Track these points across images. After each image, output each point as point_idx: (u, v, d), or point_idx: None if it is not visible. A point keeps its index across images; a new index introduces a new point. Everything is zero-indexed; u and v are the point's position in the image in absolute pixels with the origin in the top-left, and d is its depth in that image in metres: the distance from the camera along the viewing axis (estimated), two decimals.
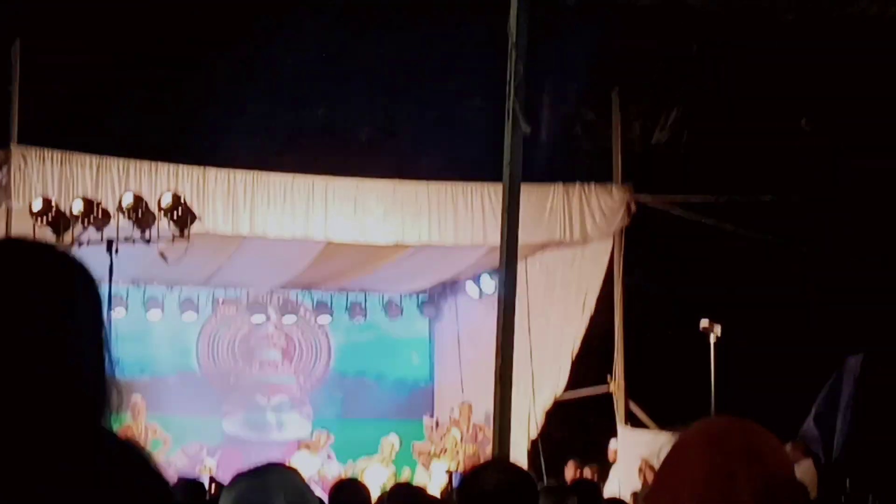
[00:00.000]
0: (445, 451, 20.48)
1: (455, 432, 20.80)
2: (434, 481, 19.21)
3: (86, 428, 2.17)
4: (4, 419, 2.10)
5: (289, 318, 22.95)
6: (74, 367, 2.18)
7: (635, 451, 18.23)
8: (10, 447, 2.09)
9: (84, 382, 2.19)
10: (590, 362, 20.57)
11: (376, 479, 18.59)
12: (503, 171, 11.39)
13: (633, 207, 20.00)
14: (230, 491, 3.87)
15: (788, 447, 16.67)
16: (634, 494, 14.93)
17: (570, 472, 18.67)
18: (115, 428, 2.27)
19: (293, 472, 4.12)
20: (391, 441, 20.68)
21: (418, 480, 18.81)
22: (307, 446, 20.63)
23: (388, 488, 18.28)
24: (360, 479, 16.51)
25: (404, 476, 20.00)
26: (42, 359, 2.14)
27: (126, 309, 20.98)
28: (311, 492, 3.96)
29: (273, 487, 3.81)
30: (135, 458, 2.24)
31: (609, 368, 20.22)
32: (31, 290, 2.19)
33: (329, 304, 22.91)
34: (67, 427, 2.14)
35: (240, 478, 3.93)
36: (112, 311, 16.76)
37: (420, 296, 23.53)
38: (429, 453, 20.60)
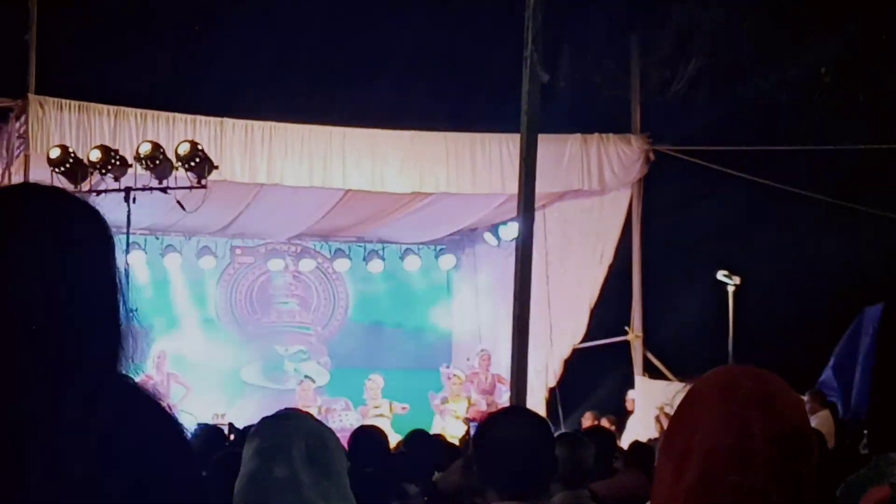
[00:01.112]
0: (456, 396, 20.42)
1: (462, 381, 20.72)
2: (450, 428, 19.24)
3: (100, 374, 2.17)
4: (16, 365, 2.10)
5: (306, 267, 22.98)
6: (86, 312, 2.17)
7: (653, 401, 18.26)
8: (23, 393, 2.09)
9: (97, 328, 2.19)
10: (608, 311, 20.59)
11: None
12: (521, 119, 11.37)
13: (652, 156, 19.98)
14: (252, 438, 3.89)
15: (806, 397, 16.68)
16: (649, 441, 14.93)
17: (587, 422, 18.69)
18: (136, 376, 2.27)
19: (312, 418, 4.13)
20: (375, 382, 20.41)
21: (435, 429, 18.82)
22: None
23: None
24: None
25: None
26: (53, 304, 2.14)
27: (144, 257, 21.04)
28: (332, 435, 3.96)
29: (294, 433, 3.82)
30: (150, 404, 2.24)
31: (627, 318, 20.24)
32: (41, 234, 2.18)
33: (347, 254, 22.93)
34: (81, 373, 2.14)
35: (261, 424, 3.95)
36: (130, 260, 16.75)
37: (438, 245, 23.54)
38: (444, 399, 20.57)
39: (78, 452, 2.08)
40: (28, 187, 2.32)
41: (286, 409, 4.15)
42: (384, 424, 18.86)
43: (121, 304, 2.24)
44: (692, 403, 2.58)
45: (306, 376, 21.09)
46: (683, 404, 2.60)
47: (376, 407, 19.95)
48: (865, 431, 14.33)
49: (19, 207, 2.22)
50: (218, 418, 19.32)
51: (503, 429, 4.42)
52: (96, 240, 2.25)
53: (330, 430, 4.03)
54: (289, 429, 3.85)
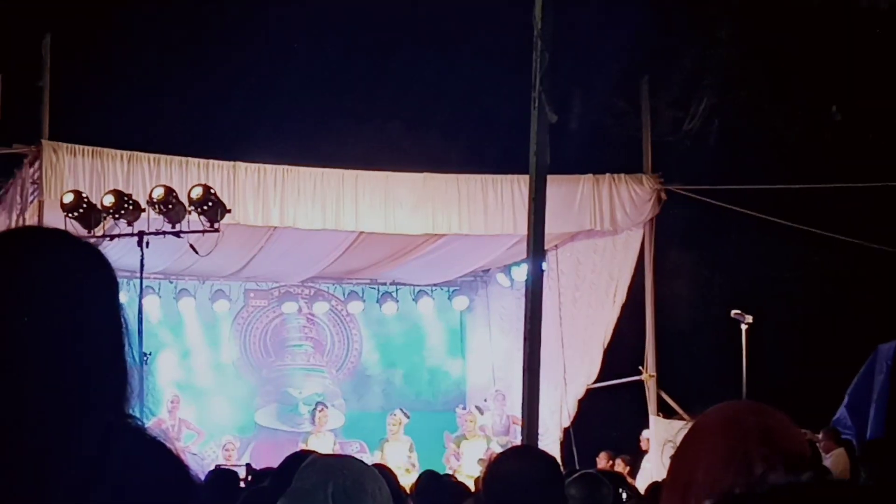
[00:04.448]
0: (473, 435, 20.38)
1: (479, 417, 20.72)
2: (465, 467, 19.22)
3: (107, 414, 2.18)
4: (25, 406, 2.12)
5: (320, 310, 22.96)
6: (90, 353, 2.18)
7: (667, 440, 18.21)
8: (27, 436, 2.10)
9: (102, 369, 2.19)
10: (622, 351, 20.58)
11: (397, 458, 18.72)
12: (529, 160, 11.40)
13: (663, 196, 19.99)
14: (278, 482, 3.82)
15: (821, 435, 16.64)
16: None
17: (602, 462, 18.66)
18: (148, 420, 2.29)
19: (338, 456, 4.10)
20: (398, 418, 20.37)
21: (448, 470, 18.76)
22: (311, 433, 20.47)
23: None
24: (382, 461, 16.54)
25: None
26: (56, 345, 2.15)
27: (158, 302, 21.07)
28: (365, 468, 3.87)
29: (319, 474, 3.75)
30: (156, 446, 2.25)
31: (641, 357, 20.21)
32: (43, 276, 2.20)
33: (360, 296, 22.92)
34: (89, 413, 2.15)
35: (285, 470, 3.88)
36: (144, 304, 16.76)
37: (451, 287, 23.53)
38: (459, 439, 20.52)
39: (90, 491, 2.10)
40: (30, 230, 2.34)
41: (303, 450, 4.11)
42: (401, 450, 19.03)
43: (126, 346, 2.24)
44: (693, 439, 2.61)
45: (319, 402, 21.00)
46: (686, 440, 2.62)
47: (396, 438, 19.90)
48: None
49: (22, 250, 2.24)
50: (227, 451, 19.43)
51: (512, 467, 4.44)
52: (99, 280, 2.26)
53: (362, 464, 3.96)
54: (315, 471, 3.82)
